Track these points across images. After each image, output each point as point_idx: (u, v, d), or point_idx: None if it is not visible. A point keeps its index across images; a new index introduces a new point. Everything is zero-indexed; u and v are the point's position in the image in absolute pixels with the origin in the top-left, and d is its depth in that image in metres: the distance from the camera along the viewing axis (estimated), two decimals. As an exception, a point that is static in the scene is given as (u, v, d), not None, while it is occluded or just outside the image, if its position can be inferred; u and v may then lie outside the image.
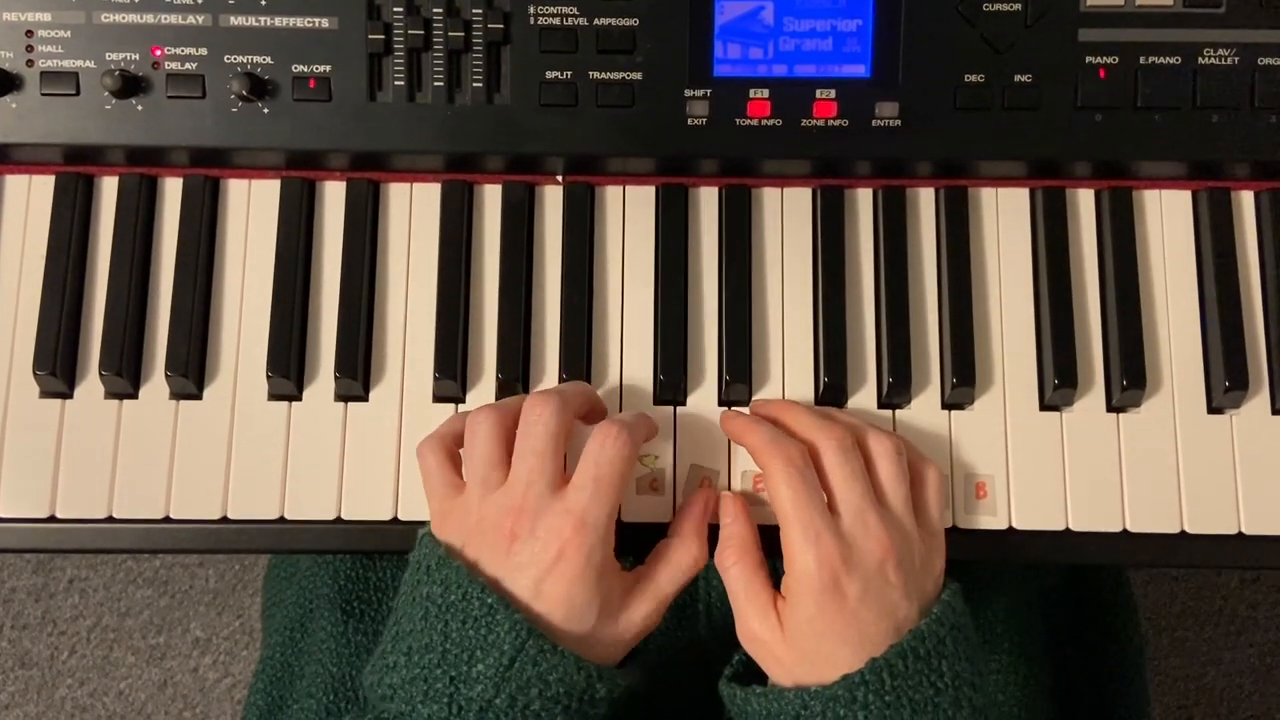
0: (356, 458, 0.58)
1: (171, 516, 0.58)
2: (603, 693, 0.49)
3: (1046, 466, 0.58)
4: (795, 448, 0.52)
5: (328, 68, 0.59)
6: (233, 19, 0.59)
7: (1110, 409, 0.59)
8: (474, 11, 0.58)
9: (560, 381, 0.59)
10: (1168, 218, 0.61)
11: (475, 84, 0.59)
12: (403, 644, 0.50)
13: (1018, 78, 0.59)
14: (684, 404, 0.59)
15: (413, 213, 0.61)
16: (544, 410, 0.52)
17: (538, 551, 0.49)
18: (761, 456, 0.53)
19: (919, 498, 0.55)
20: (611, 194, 0.62)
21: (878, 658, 0.48)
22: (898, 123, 0.59)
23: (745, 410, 0.59)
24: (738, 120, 0.59)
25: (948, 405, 0.59)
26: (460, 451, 0.55)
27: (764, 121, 0.59)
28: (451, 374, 0.59)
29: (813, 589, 0.50)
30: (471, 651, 0.48)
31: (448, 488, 0.53)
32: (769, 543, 0.54)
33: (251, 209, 0.61)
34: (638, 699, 0.53)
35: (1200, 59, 0.59)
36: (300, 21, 0.59)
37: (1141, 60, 0.59)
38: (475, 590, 0.49)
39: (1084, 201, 0.62)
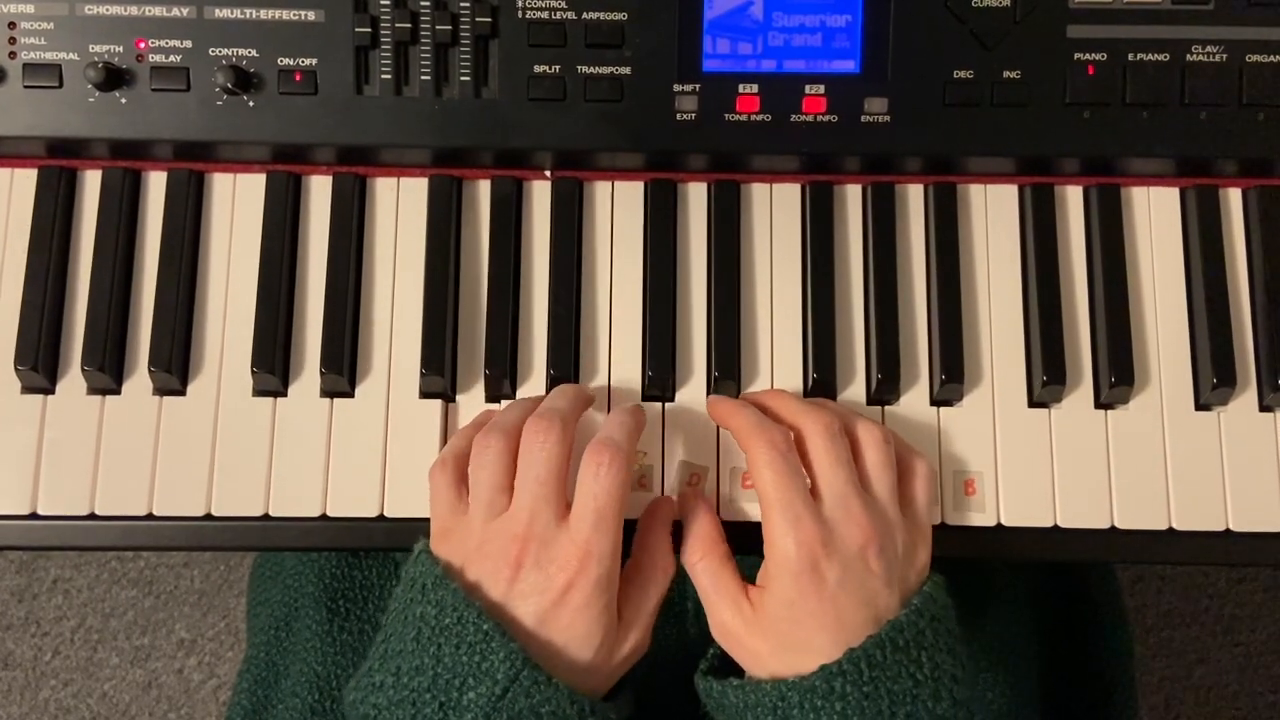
0: (342, 454, 0.58)
1: (155, 513, 0.57)
2: None
3: (1035, 463, 0.58)
4: (778, 431, 0.52)
5: (314, 61, 0.58)
6: (218, 11, 0.58)
7: (1098, 406, 0.59)
8: (462, 5, 0.58)
9: (548, 377, 0.59)
10: (1156, 215, 0.61)
11: (463, 78, 0.58)
12: (391, 664, 0.49)
13: (1006, 74, 0.59)
14: (672, 400, 0.59)
15: (399, 207, 0.61)
16: (546, 437, 0.51)
17: (543, 582, 0.49)
18: (745, 440, 0.53)
19: (906, 489, 0.54)
20: (600, 189, 0.61)
21: (855, 648, 0.48)
22: (887, 118, 0.59)
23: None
24: (727, 115, 0.59)
25: (936, 401, 0.59)
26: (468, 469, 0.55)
27: (753, 117, 0.59)
28: (439, 370, 0.58)
29: (791, 571, 0.49)
30: (464, 678, 0.47)
31: (452, 505, 0.53)
32: (748, 540, 0.53)
33: (236, 203, 0.61)
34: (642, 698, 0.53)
35: (1188, 56, 0.59)
36: (286, 14, 0.58)
37: (1130, 57, 0.59)
38: (471, 615, 0.48)
39: (1072, 198, 0.62)
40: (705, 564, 0.53)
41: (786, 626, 0.50)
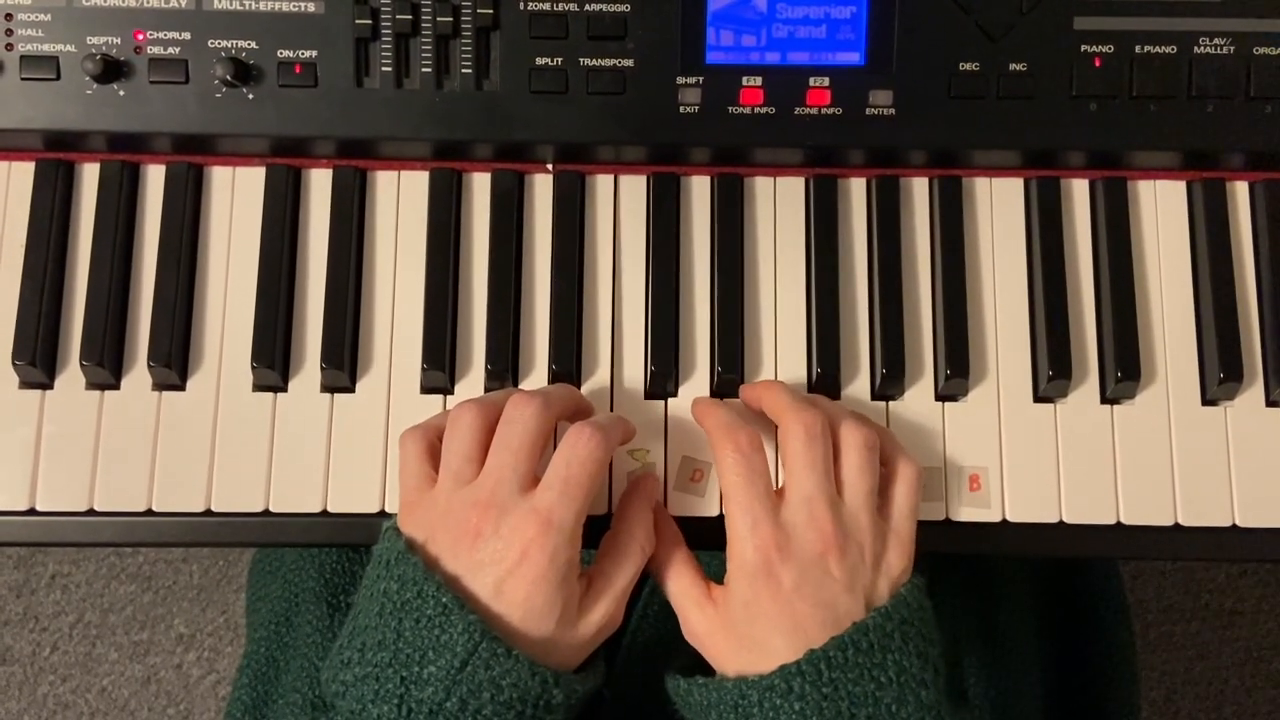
0: (343, 450, 0.58)
1: (154, 509, 0.57)
2: (559, 699, 0.48)
3: (1040, 458, 0.58)
4: (745, 434, 0.52)
5: (314, 53, 0.58)
6: (217, 2, 0.58)
7: (1104, 400, 0.59)
8: (463, -4, 0.58)
9: (549, 372, 0.58)
10: (1162, 208, 0.61)
11: (464, 70, 0.58)
12: (357, 640, 0.49)
13: (1012, 66, 0.58)
14: (675, 395, 0.59)
15: (400, 201, 0.60)
16: (526, 409, 0.51)
17: (501, 550, 0.48)
18: (713, 440, 0.53)
19: (888, 494, 0.53)
20: (602, 183, 0.61)
21: (815, 649, 0.48)
22: (891, 111, 0.58)
23: (736, 401, 0.58)
24: (730, 108, 0.58)
25: (941, 397, 0.59)
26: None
27: (757, 109, 0.58)
28: (440, 365, 0.58)
29: (747, 574, 0.49)
30: (424, 652, 0.47)
31: (420, 479, 0.52)
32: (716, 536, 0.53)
33: (236, 197, 0.60)
34: (640, 698, 0.52)
35: (1196, 48, 0.58)
36: (286, 5, 0.58)
37: (1137, 49, 0.58)
38: (431, 588, 0.48)
39: (1078, 191, 0.61)
40: (668, 568, 0.53)
41: (745, 627, 0.50)
